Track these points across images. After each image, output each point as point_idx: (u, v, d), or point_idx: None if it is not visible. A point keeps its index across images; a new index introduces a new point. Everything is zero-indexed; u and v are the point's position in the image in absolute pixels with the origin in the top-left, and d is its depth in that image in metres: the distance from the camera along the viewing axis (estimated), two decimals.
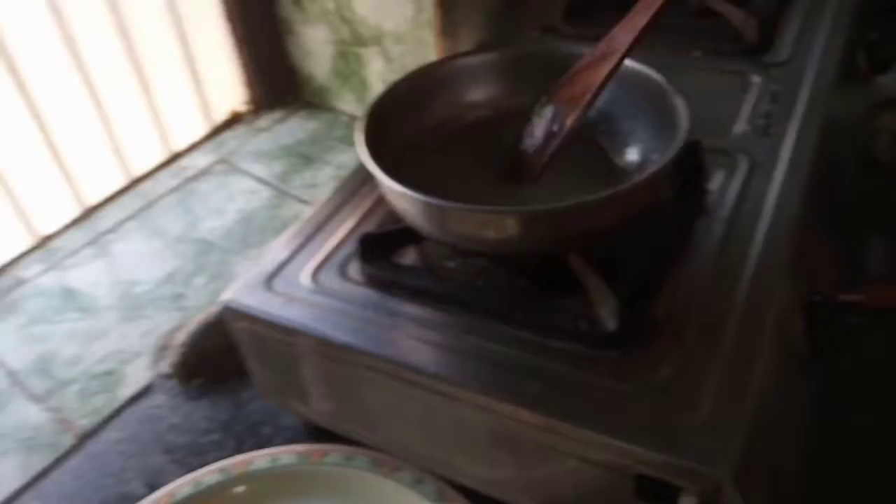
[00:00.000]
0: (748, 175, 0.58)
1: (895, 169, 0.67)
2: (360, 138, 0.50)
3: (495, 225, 0.45)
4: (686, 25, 0.79)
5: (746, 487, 0.41)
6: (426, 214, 0.47)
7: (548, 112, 0.55)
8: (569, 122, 0.52)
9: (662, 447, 0.41)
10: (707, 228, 0.54)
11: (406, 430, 0.55)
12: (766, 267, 0.51)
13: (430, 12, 0.83)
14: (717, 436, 0.42)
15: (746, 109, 0.66)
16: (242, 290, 0.54)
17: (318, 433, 0.63)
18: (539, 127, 0.55)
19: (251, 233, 0.85)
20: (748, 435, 0.42)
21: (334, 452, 0.60)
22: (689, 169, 0.57)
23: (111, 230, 0.87)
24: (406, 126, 0.57)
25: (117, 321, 0.75)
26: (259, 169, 0.95)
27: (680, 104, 0.50)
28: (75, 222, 0.88)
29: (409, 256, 0.56)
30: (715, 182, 0.58)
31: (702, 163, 0.57)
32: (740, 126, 0.64)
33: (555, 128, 0.54)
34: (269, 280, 0.55)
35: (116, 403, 0.68)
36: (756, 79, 0.70)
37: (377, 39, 0.92)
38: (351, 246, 0.56)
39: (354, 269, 0.55)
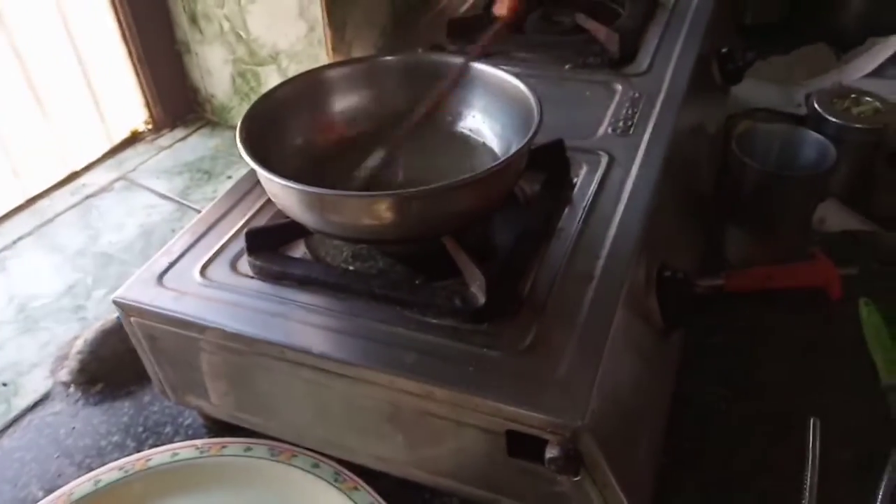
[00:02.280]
0: (607, 169, 0.65)
1: (742, 171, 0.75)
2: (240, 135, 0.53)
3: (369, 210, 0.49)
4: (557, 41, 0.86)
5: (605, 440, 0.46)
6: (304, 204, 0.50)
7: None
8: None
9: (525, 403, 0.46)
10: (570, 216, 0.60)
11: (301, 416, 0.58)
12: (619, 247, 0.56)
13: (321, 31, 0.88)
14: (573, 392, 0.46)
15: (609, 114, 0.73)
16: (133, 286, 0.57)
17: (218, 430, 0.65)
18: None
19: (152, 245, 0.86)
20: (603, 391, 0.47)
21: (233, 444, 0.62)
22: (553, 164, 0.63)
23: (6, 247, 0.86)
24: (290, 130, 0.61)
25: (14, 334, 0.75)
26: (160, 185, 0.96)
27: (534, 104, 0.55)
28: None
29: (297, 250, 0.59)
30: (578, 176, 0.64)
31: (564, 158, 0.63)
32: (603, 129, 0.71)
33: None
34: (161, 276, 0.57)
35: (13, 413, 0.68)
36: (618, 87, 0.77)
37: (273, 58, 0.95)
38: (240, 242, 0.59)
39: (244, 264, 0.58)
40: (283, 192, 0.51)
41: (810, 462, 0.59)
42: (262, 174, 0.50)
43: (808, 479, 0.58)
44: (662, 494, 0.57)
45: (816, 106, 0.87)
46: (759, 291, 0.76)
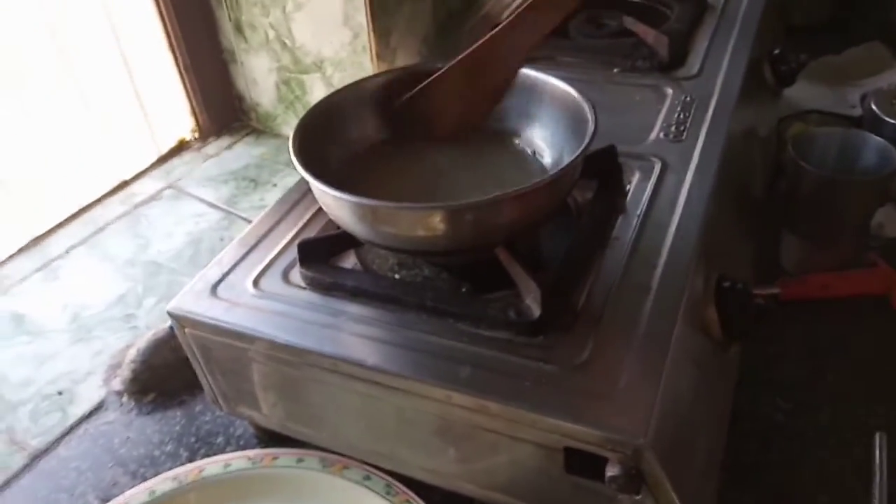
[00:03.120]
0: (661, 176, 0.63)
1: (799, 175, 0.73)
2: (293, 146, 0.53)
3: (423, 221, 0.49)
4: (605, 45, 0.85)
5: (666, 457, 0.45)
6: (356, 216, 0.50)
7: None
8: None
9: (584, 420, 0.45)
10: (624, 224, 0.59)
11: (352, 428, 0.58)
12: (676, 256, 0.55)
13: (365, 38, 0.88)
14: (635, 408, 0.45)
15: (660, 119, 0.71)
16: (187, 297, 0.57)
17: (269, 440, 0.65)
18: None
19: (200, 254, 0.87)
20: (664, 407, 0.46)
21: (285, 455, 0.62)
22: (605, 171, 0.62)
23: (60, 256, 0.88)
24: (343, 138, 0.60)
25: (68, 343, 0.77)
26: (207, 193, 0.97)
27: (588, 110, 0.54)
28: (22, 250, 0.89)
29: (348, 261, 0.59)
30: (631, 183, 0.63)
31: (617, 165, 0.62)
32: (655, 134, 0.69)
33: None
34: (214, 288, 0.58)
35: (69, 422, 0.69)
36: (669, 91, 0.76)
37: (318, 66, 0.96)
38: (292, 253, 0.59)
39: (296, 275, 0.58)
40: (335, 204, 0.51)
41: (878, 478, 0.57)
42: (316, 186, 0.50)
43: (877, 495, 0.56)
44: None
45: (874, 107, 0.85)
46: (816, 300, 0.73)
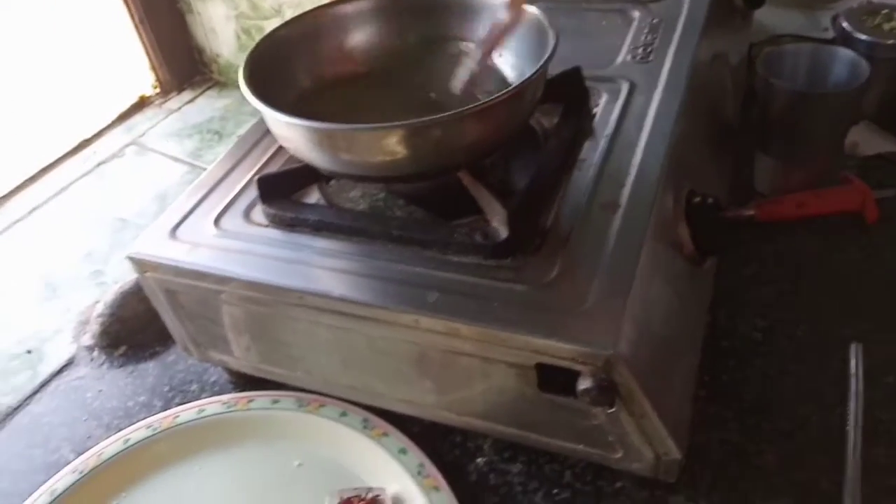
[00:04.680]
0: (628, 97, 0.62)
1: (770, 93, 0.72)
2: (244, 75, 0.51)
3: (381, 143, 0.47)
4: None
5: (638, 368, 0.44)
6: (313, 143, 0.48)
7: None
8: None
9: (554, 334, 0.44)
10: (591, 146, 0.58)
11: (326, 364, 0.57)
12: (645, 173, 0.54)
13: None
14: (604, 320, 0.44)
15: (627, 42, 0.70)
16: (146, 241, 0.56)
17: (244, 385, 0.64)
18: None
19: (166, 207, 0.85)
20: (634, 319, 0.45)
21: (260, 398, 0.61)
22: (571, 94, 0.60)
23: (22, 218, 0.86)
24: (296, 73, 0.58)
25: (35, 302, 0.75)
26: (171, 148, 0.95)
27: (547, 26, 0.53)
28: None
29: (311, 197, 0.58)
30: (598, 106, 0.62)
31: (583, 86, 0.60)
32: (622, 57, 0.68)
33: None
34: (173, 231, 0.56)
35: (39, 379, 0.68)
36: (636, 14, 0.74)
37: (276, 10, 0.93)
38: (252, 193, 0.58)
39: (258, 213, 0.56)
40: (291, 132, 0.49)
41: (853, 388, 0.57)
42: (269, 114, 0.48)
43: (853, 405, 0.56)
44: (700, 426, 0.55)
45: (845, 24, 0.83)
46: (792, 220, 0.73)
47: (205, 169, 0.90)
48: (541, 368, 0.46)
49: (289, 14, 0.92)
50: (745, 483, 0.53)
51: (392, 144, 0.47)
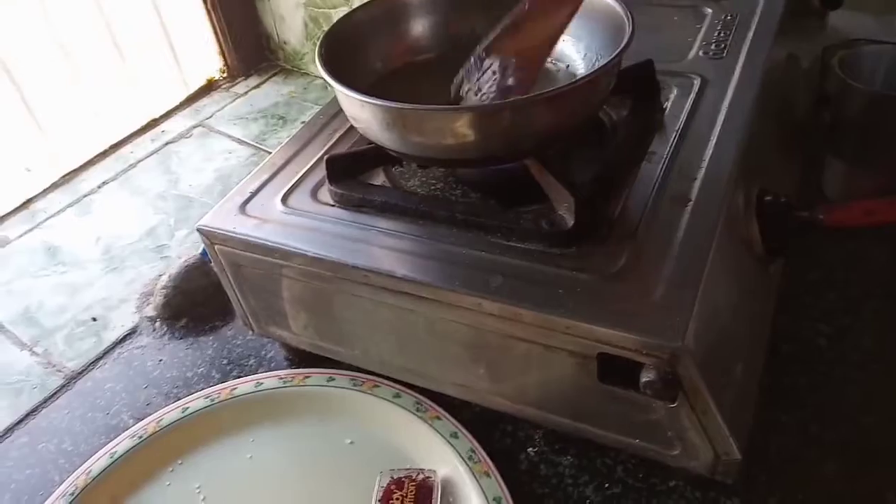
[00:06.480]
0: (700, 92, 0.61)
1: (846, 95, 0.70)
2: (318, 54, 0.52)
3: (451, 126, 0.47)
4: None
5: (704, 363, 0.43)
6: (384, 123, 0.49)
7: (494, 65, 0.53)
8: (526, 78, 0.52)
9: (619, 324, 0.44)
10: (661, 140, 0.57)
11: (383, 345, 0.57)
12: (717, 168, 0.53)
13: None
14: (671, 313, 0.44)
15: (700, 37, 0.69)
16: (217, 215, 0.57)
17: (300, 362, 0.65)
18: (486, 82, 0.54)
19: (230, 188, 0.86)
20: (702, 314, 0.44)
21: (316, 374, 0.62)
22: (642, 87, 0.60)
23: (92, 192, 0.89)
24: (368, 55, 0.59)
25: (101, 273, 0.77)
26: (236, 131, 0.97)
27: (625, 14, 0.52)
28: (56, 185, 0.90)
29: (377, 179, 0.58)
30: (669, 100, 0.61)
31: (654, 79, 0.60)
32: (694, 52, 0.67)
33: (509, 82, 0.52)
34: (243, 206, 0.57)
35: (103, 346, 0.70)
36: (708, 11, 0.73)
37: None
38: (320, 172, 0.58)
39: (324, 193, 0.57)
40: (362, 111, 0.50)
41: None
42: (342, 91, 0.49)
43: None
44: (760, 429, 0.54)
45: None
46: (861, 227, 0.71)
47: (269, 152, 0.92)
48: (602, 358, 0.45)
49: (356, 3, 0.93)
50: (804, 491, 0.52)
51: (462, 127, 0.47)
